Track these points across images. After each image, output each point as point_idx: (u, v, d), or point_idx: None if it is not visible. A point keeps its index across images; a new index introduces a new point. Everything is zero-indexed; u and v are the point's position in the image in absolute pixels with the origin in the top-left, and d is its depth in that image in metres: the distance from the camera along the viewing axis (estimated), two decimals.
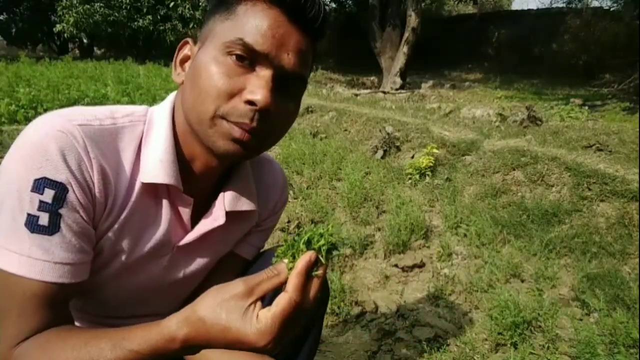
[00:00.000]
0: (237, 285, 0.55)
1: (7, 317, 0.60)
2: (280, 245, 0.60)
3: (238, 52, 0.61)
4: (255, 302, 0.54)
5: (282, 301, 0.53)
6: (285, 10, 0.62)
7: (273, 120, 0.65)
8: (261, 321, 0.53)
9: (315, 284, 0.56)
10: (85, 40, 17.14)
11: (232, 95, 0.62)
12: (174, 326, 0.55)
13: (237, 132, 0.63)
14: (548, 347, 1.66)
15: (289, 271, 0.56)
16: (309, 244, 0.57)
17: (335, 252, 0.59)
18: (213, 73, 0.62)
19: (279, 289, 0.56)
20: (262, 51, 0.61)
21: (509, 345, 1.68)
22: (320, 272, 0.57)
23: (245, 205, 0.79)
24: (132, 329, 0.58)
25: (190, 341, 0.55)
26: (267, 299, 0.56)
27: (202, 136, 0.66)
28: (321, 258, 0.57)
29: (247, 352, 0.73)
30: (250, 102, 0.61)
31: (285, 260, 0.57)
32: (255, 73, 0.62)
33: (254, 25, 0.61)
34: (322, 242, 0.57)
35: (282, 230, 2.67)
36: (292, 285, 0.54)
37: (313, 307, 0.57)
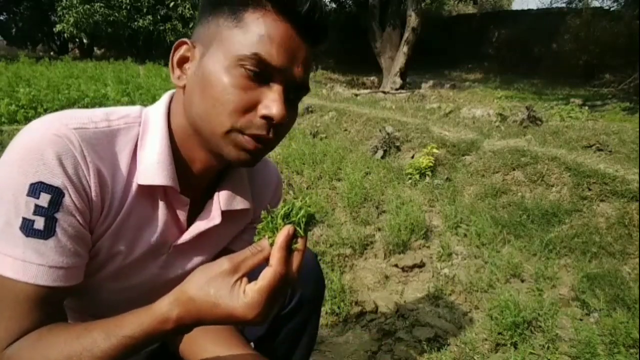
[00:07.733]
0: (223, 263, 0.57)
1: None
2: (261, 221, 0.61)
3: (253, 67, 0.62)
4: (241, 278, 0.56)
5: (267, 275, 0.55)
6: (295, 23, 0.63)
7: (282, 129, 0.68)
8: (248, 295, 0.55)
9: (297, 257, 0.58)
10: (85, 40, 17.11)
11: (248, 110, 0.63)
12: (165, 307, 0.57)
13: (250, 144, 0.65)
14: (548, 347, 1.66)
15: (271, 246, 0.57)
16: (287, 218, 0.58)
17: (314, 222, 0.60)
18: (227, 86, 0.62)
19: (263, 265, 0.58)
20: (277, 66, 0.62)
21: (509, 345, 1.68)
22: (299, 244, 0.58)
23: (241, 204, 0.80)
24: (124, 316, 0.59)
25: (182, 320, 0.57)
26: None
27: (212, 144, 0.67)
28: (299, 230, 0.57)
29: (240, 345, 0.77)
30: (266, 117, 0.63)
31: (267, 236, 0.58)
32: (269, 87, 0.64)
33: (267, 39, 0.61)
34: (300, 214, 0.58)
35: None
36: (275, 259, 0.56)
37: (295, 280, 0.58)
